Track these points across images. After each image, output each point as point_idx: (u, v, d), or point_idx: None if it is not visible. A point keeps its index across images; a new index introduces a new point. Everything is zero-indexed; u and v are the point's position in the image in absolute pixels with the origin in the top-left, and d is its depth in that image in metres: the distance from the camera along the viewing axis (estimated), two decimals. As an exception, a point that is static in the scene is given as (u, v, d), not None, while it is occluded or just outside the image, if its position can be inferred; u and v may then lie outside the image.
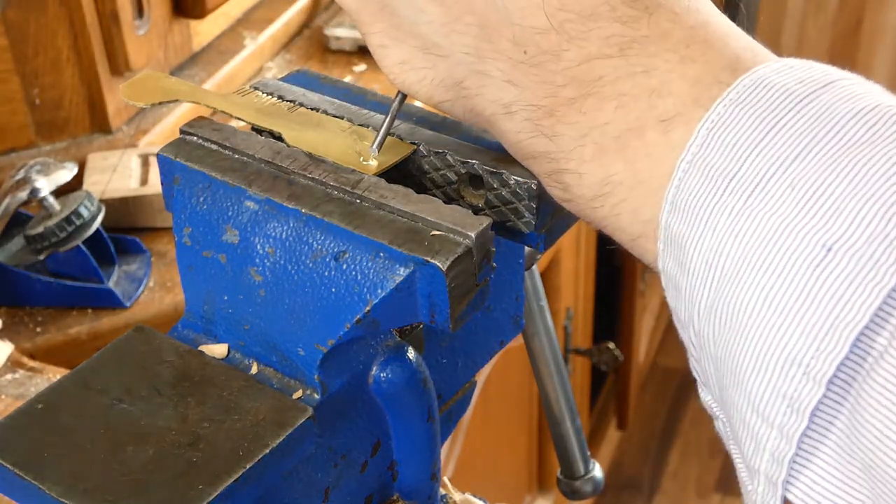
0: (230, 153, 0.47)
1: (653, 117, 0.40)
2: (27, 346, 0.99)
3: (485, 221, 0.42)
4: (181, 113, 1.26)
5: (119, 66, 1.19)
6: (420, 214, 0.42)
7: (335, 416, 0.43)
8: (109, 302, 1.03)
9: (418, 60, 0.45)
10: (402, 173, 0.47)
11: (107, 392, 0.43)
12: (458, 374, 0.50)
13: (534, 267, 0.55)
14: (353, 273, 0.42)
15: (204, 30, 1.38)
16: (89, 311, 1.03)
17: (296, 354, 0.43)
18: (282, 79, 0.52)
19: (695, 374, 0.42)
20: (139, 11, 1.21)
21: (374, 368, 0.44)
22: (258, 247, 0.44)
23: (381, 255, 0.41)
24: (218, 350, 0.45)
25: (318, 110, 0.49)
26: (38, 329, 1.01)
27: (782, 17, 2.48)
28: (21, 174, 1.01)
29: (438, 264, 0.40)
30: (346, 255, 0.42)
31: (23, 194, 1.01)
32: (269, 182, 0.45)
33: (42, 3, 1.12)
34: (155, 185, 1.12)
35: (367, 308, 0.41)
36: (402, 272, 0.41)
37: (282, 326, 0.43)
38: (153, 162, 1.16)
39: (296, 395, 0.42)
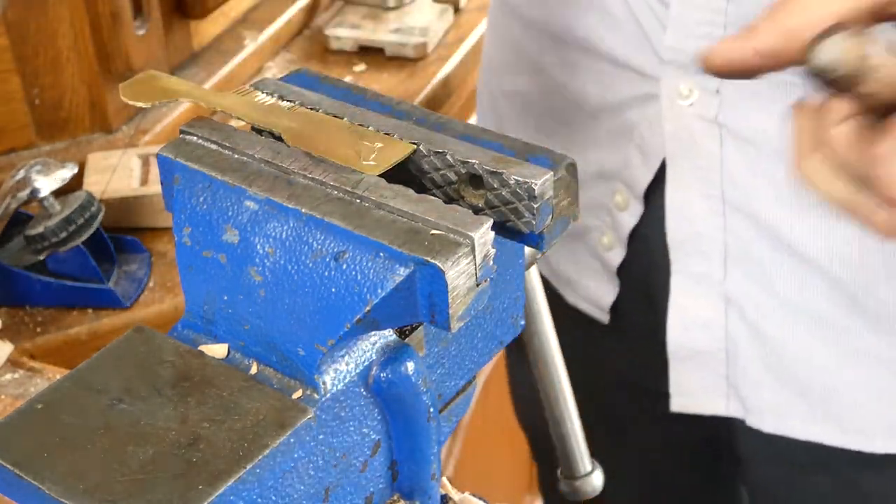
0: (230, 153, 0.47)
1: None
2: (27, 346, 0.99)
3: (485, 221, 0.42)
4: (181, 112, 1.26)
5: (119, 66, 1.19)
6: (420, 214, 0.42)
7: (335, 416, 0.43)
8: (109, 302, 1.03)
9: None
10: (403, 173, 0.47)
11: (107, 392, 0.43)
12: (458, 374, 0.50)
13: (533, 267, 0.55)
14: (354, 273, 0.42)
15: (204, 30, 1.38)
16: (89, 311, 1.03)
17: (296, 354, 0.43)
18: (282, 78, 0.52)
19: None
20: (139, 11, 1.20)
21: (375, 368, 0.44)
22: (258, 247, 0.44)
23: (382, 254, 0.41)
24: (218, 350, 0.45)
25: (317, 110, 0.49)
26: (38, 329, 1.01)
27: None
28: (21, 174, 1.01)
29: (438, 264, 0.40)
30: (347, 255, 0.42)
31: (23, 194, 1.00)
32: (269, 182, 0.45)
33: (42, 3, 1.12)
34: (155, 185, 1.12)
35: (368, 308, 0.41)
36: (403, 272, 0.41)
37: (282, 326, 0.43)
38: (153, 162, 1.16)
39: (295, 395, 0.42)
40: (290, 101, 0.50)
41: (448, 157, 0.46)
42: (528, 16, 0.89)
